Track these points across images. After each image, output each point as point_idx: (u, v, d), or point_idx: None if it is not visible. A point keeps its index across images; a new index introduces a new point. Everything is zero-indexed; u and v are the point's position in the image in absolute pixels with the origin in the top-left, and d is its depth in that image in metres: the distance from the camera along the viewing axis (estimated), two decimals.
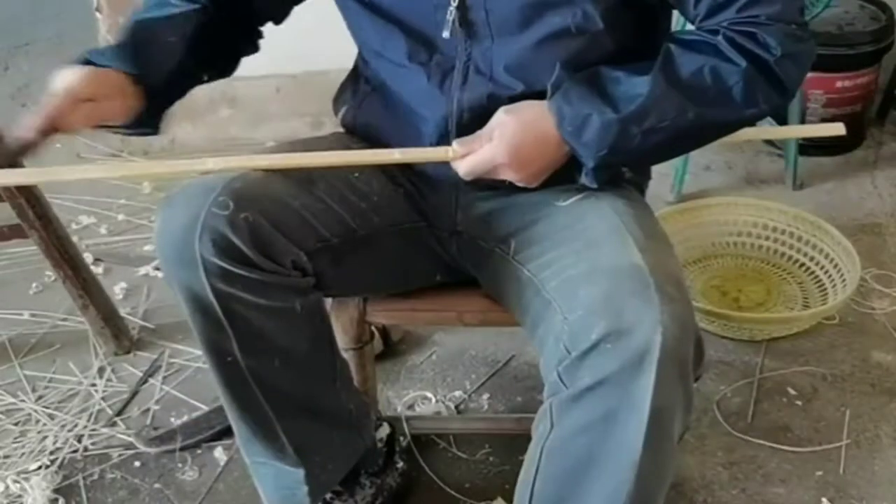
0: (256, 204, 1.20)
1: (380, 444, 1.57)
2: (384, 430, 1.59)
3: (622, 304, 1.11)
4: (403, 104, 1.34)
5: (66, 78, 1.20)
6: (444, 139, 1.29)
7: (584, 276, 1.17)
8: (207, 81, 1.39)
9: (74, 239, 2.03)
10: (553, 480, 1.18)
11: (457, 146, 1.23)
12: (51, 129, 1.19)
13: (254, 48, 1.44)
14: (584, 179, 1.24)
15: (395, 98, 1.35)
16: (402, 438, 1.69)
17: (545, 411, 1.17)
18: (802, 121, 2.50)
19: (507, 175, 1.23)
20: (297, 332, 1.30)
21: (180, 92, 1.35)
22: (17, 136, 1.18)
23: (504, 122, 1.21)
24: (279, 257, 1.23)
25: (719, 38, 1.17)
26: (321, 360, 1.37)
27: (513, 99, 1.26)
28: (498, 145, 1.21)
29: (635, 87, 1.17)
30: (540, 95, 1.23)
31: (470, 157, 1.22)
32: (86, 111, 1.21)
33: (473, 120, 1.26)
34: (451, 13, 1.25)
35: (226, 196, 1.19)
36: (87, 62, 1.25)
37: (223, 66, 1.41)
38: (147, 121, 1.30)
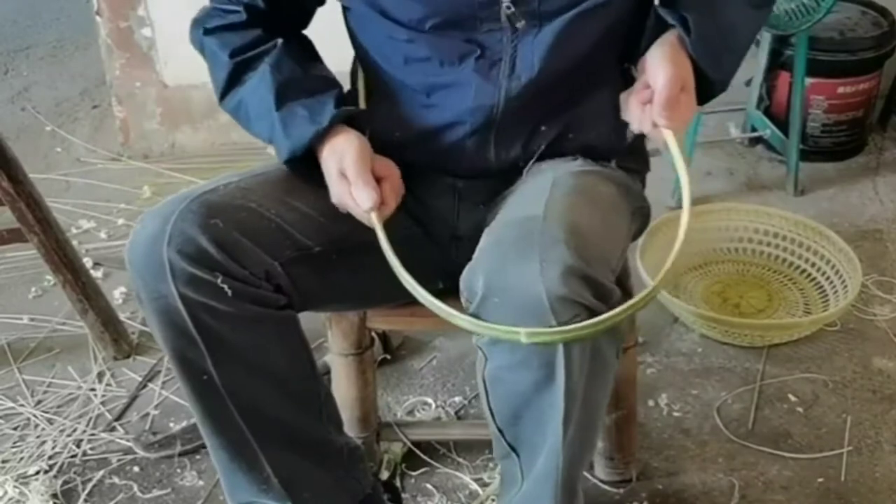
0: (228, 212, 1.20)
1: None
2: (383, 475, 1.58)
3: (503, 256, 1.14)
4: (431, 108, 1.32)
5: (347, 160, 1.25)
6: (487, 129, 1.30)
7: (487, 231, 1.23)
8: None
9: (74, 243, 2.03)
10: (504, 402, 1.24)
11: (659, 119, 1.24)
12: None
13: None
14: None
15: (418, 103, 1.33)
16: (401, 445, 1.69)
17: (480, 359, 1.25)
18: (804, 127, 2.50)
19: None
20: (271, 347, 1.27)
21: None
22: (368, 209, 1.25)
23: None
24: (250, 265, 1.21)
25: None
26: (301, 385, 1.33)
27: (555, 80, 1.28)
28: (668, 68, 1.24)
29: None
30: (579, 70, 1.28)
31: (661, 95, 1.23)
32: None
33: (518, 108, 1.29)
34: (503, 9, 1.25)
35: (198, 205, 1.19)
36: (322, 133, 1.27)
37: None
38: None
